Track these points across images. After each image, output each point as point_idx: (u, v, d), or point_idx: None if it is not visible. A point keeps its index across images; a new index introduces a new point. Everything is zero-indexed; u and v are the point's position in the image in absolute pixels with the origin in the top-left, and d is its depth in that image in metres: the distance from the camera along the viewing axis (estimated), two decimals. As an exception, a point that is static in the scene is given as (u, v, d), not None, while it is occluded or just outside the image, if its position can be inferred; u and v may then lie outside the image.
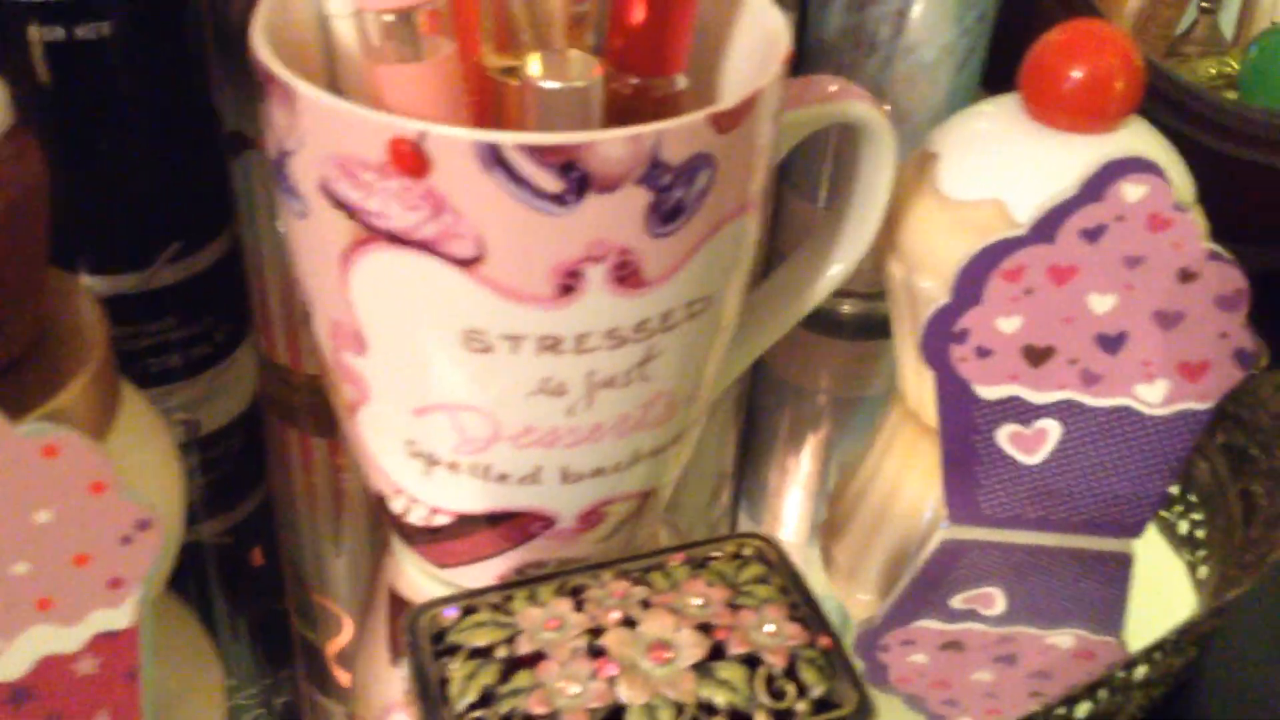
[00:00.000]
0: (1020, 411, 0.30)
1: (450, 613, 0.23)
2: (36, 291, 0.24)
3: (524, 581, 0.24)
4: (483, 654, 0.22)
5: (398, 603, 0.30)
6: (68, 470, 0.20)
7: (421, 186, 0.21)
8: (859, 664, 0.28)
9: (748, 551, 0.24)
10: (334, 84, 0.26)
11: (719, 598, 0.23)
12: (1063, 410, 0.30)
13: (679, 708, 0.21)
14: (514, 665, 0.22)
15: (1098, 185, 0.27)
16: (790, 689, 0.21)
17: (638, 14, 0.24)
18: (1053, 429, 0.30)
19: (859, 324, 0.42)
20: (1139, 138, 0.31)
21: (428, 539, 0.28)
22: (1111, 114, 0.30)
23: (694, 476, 0.35)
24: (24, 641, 0.21)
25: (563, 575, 0.24)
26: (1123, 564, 0.32)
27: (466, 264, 0.22)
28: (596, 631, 0.22)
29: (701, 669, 0.21)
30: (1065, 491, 0.31)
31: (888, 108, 0.37)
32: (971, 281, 0.28)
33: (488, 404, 0.24)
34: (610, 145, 0.21)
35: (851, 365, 0.41)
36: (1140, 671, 0.25)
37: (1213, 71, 0.54)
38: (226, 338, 0.35)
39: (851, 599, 0.31)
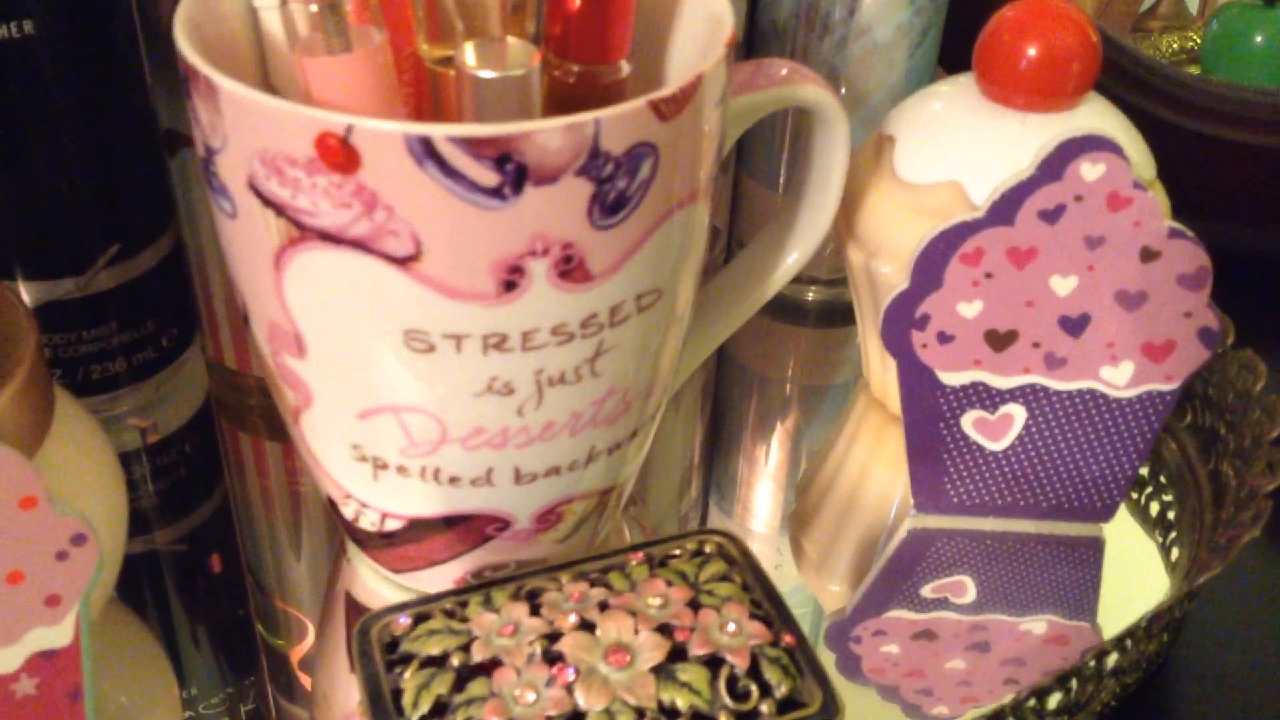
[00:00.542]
0: (984, 397, 0.30)
1: (402, 621, 0.22)
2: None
3: (478, 586, 0.23)
4: (436, 663, 0.21)
5: (355, 608, 0.29)
6: (-5, 485, 0.20)
7: (352, 183, 0.21)
8: (828, 658, 0.28)
9: (709, 549, 0.24)
10: (265, 80, 0.25)
11: (679, 597, 0.22)
12: (1027, 395, 0.30)
13: (640, 712, 0.20)
14: (469, 673, 0.21)
15: (1055, 165, 0.27)
16: (754, 689, 0.21)
17: (577, -2, 0.24)
18: (1018, 414, 0.30)
19: (824, 311, 0.41)
20: (1097, 115, 0.30)
21: (381, 544, 0.28)
22: (1068, 92, 0.30)
23: (661, 469, 0.35)
24: (-44, 664, 0.21)
25: (519, 579, 0.23)
26: (1094, 548, 0.32)
27: (403, 262, 0.21)
28: (553, 636, 0.21)
29: (662, 671, 0.21)
30: (1033, 477, 0.31)
31: (843, 90, 0.37)
32: (930, 266, 0.28)
33: (434, 405, 0.24)
34: (547, 135, 0.20)
35: (817, 353, 0.41)
36: (1111, 660, 0.25)
37: (1175, 46, 0.54)
38: (172, 342, 0.35)
39: (822, 590, 0.31)
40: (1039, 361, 0.29)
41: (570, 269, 0.22)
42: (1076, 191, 0.27)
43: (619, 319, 0.24)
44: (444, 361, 0.23)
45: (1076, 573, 0.31)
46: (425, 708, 0.21)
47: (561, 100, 0.24)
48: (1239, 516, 0.28)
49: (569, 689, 0.21)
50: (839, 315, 0.41)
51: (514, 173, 0.20)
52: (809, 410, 0.39)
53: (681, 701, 0.21)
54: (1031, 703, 0.24)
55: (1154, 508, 0.33)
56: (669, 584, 0.22)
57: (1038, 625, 0.29)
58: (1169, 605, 0.26)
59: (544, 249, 0.22)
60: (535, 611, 0.22)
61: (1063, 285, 0.28)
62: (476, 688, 0.21)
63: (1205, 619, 0.30)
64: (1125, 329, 0.29)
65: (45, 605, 0.21)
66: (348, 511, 0.27)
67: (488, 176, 0.20)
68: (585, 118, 0.21)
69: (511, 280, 0.22)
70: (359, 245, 0.21)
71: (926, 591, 0.30)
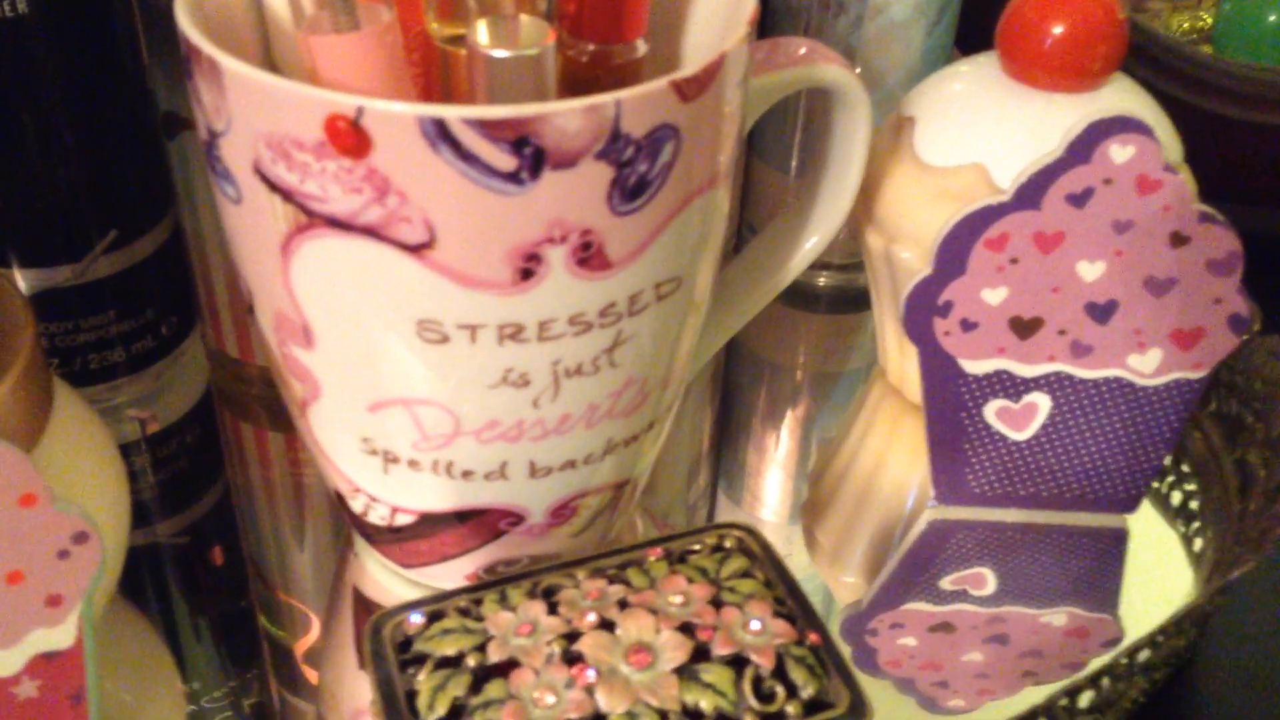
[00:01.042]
0: (1008, 386, 0.29)
1: (416, 620, 0.22)
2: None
3: (493, 583, 0.23)
4: (452, 663, 0.21)
5: (363, 603, 0.29)
6: (-6, 483, 0.19)
7: (363, 167, 0.20)
8: (843, 651, 0.28)
9: (729, 544, 0.23)
10: (269, 60, 0.25)
11: (700, 595, 0.22)
12: (1052, 383, 0.29)
13: (663, 715, 0.20)
14: (485, 674, 0.21)
15: (1083, 146, 0.26)
16: (779, 690, 0.21)
17: (592, -25, 0.23)
18: (1042, 403, 0.29)
19: (836, 297, 0.41)
20: (1124, 95, 0.30)
21: (390, 538, 0.27)
22: (1095, 71, 0.29)
23: (670, 458, 0.35)
24: (-45, 667, 0.20)
25: (534, 575, 0.23)
26: (1117, 540, 0.31)
27: (416, 250, 0.21)
28: (572, 636, 0.21)
29: (685, 672, 0.20)
30: (1056, 467, 0.30)
31: (858, 70, 0.36)
32: (953, 251, 0.27)
33: (447, 398, 0.23)
34: (566, 117, 0.20)
35: (830, 340, 0.41)
36: (1143, 656, 0.25)
37: (1185, 25, 0.53)
38: (172, 330, 0.34)
39: (836, 582, 0.31)
40: (1065, 349, 0.29)
41: (589, 256, 0.21)
42: (1105, 174, 0.27)
43: (638, 308, 0.23)
44: (458, 352, 0.22)
45: (1098, 564, 0.31)
46: (442, 710, 0.20)
47: (575, 81, 0.24)
48: (1268, 508, 0.28)
49: (589, 691, 0.20)
50: (852, 301, 0.40)
51: (532, 156, 0.20)
52: (820, 398, 0.39)
53: (705, 703, 0.20)
54: (1064, 701, 0.23)
55: (1176, 497, 0.32)
56: (690, 581, 0.22)
57: (1058, 618, 0.29)
58: (1204, 599, 0.25)
59: (562, 236, 0.21)
60: (553, 610, 0.22)
61: (1090, 271, 0.28)
62: (494, 689, 0.20)
63: (1230, 612, 0.30)
64: (1153, 316, 0.28)
65: (47, 606, 0.21)
66: (356, 505, 0.27)
67: (504, 160, 0.20)
68: (606, 99, 0.20)
69: (528, 268, 0.21)
70: (370, 232, 0.21)
71: (945, 583, 0.30)
